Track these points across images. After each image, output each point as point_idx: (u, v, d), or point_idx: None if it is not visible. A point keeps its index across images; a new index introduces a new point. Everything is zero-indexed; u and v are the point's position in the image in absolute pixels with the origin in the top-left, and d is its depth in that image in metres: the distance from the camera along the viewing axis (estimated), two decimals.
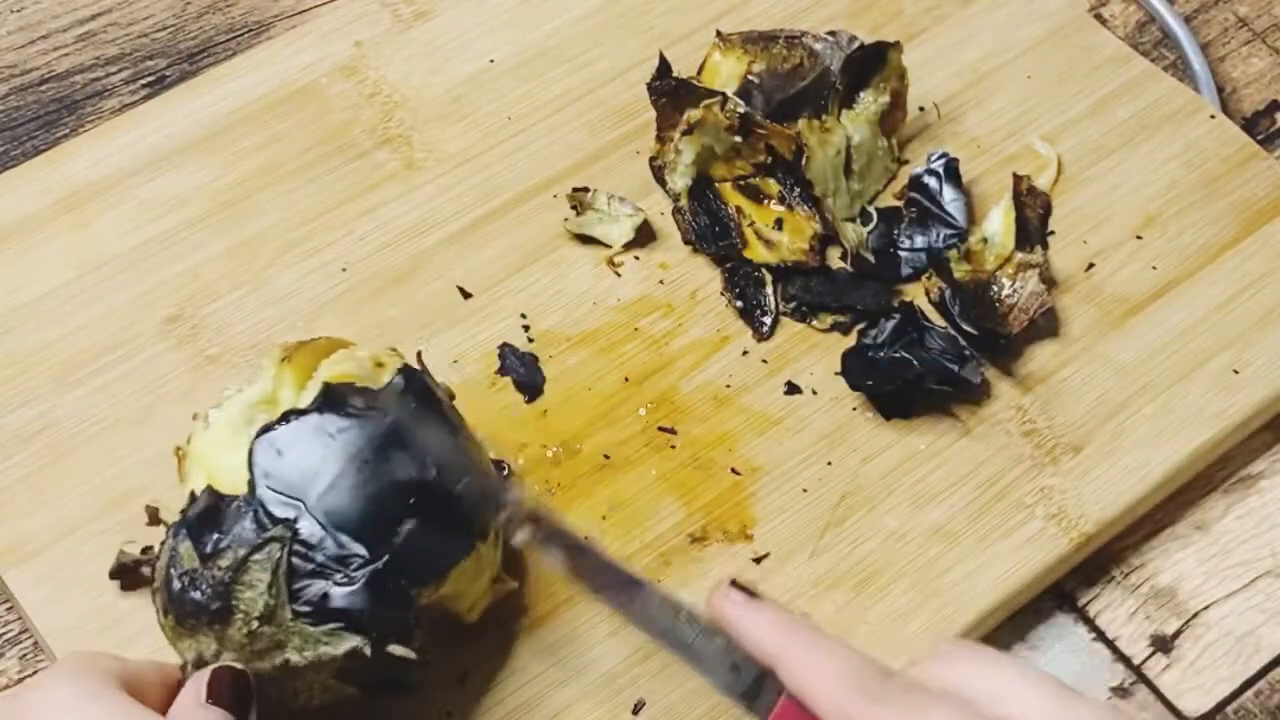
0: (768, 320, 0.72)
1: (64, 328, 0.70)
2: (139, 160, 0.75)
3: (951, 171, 0.74)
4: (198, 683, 0.54)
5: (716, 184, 0.75)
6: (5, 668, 0.64)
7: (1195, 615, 0.67)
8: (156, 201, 0.74)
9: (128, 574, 0.62)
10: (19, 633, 0.65)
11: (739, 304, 0.72)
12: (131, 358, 0.69)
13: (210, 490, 0.57)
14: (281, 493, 0.56)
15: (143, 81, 0.82)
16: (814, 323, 0.72)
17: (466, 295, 0.72)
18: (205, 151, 0.76)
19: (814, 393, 0.70)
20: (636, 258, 0.74)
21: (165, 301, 0.71)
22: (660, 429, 0.68)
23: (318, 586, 0.55)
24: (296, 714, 0.57)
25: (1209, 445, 0.69)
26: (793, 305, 0.72)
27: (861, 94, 0.76)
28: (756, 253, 0.73)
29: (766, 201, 0.75)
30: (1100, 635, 0.67)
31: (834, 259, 0.74)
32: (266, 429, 0.57)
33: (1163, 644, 0.66)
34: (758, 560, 0.65)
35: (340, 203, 0.75)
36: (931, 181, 0.74)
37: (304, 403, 0.58)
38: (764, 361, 0.71)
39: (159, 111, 0.77)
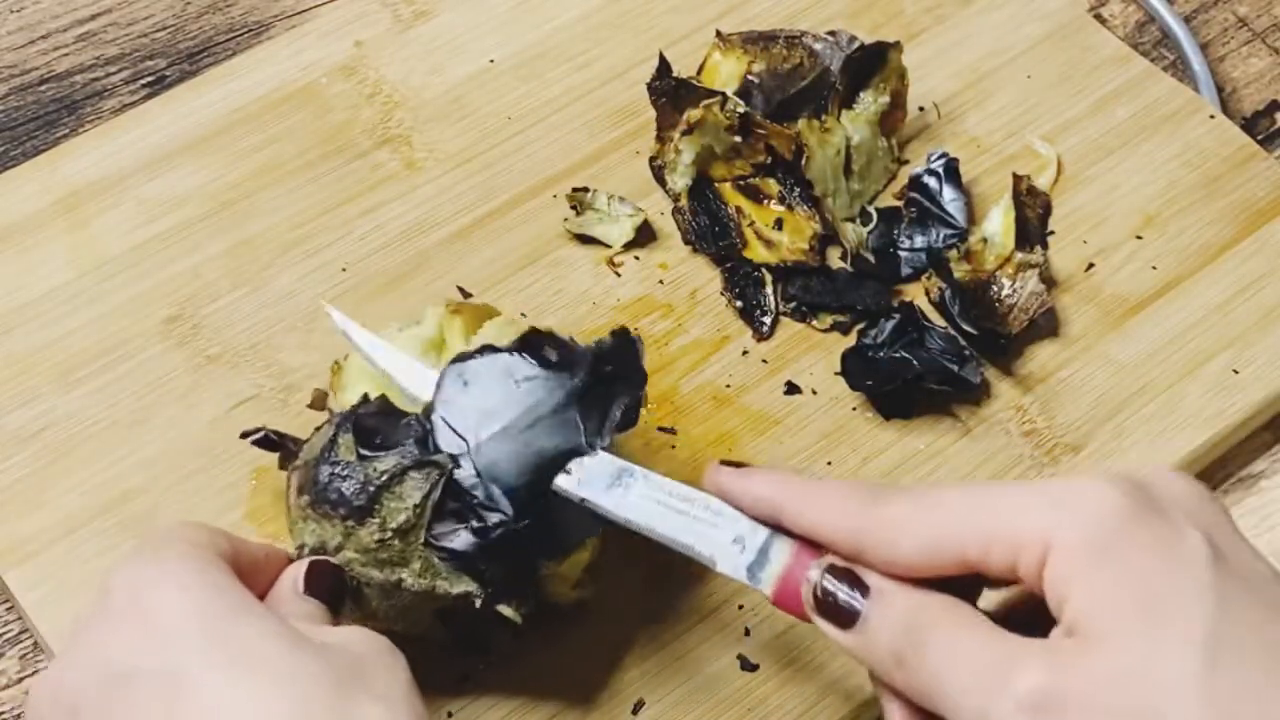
0: (768, 320, 0.72)
1: (64, 328, 0.70)
2: (139, 160, 0.75)
3: (951, 171, 0.74)
4: (296, 571, 0.55)
5: (716, 184, 0.75)
6: (5, 668, 0.64)
7: None
8: (156, 201, 0.74)
9: (269, 444, 0.62)
10: (19, 633, 0.65)
11: (739, 304, 0.72)
12: (131, 358, 0.69)
13: (384, 399, 0.58)
14: (453, 427, 0.57)
15: (143, 81, 0.82)
16: (814, 323, 0.72)
17: (466, 295, 0.72)
18: (205, 151, 0.76)
19: (814, 393, 0.70)
20: (636, 258, 0.74)
21: (165, 301, 0.71)
22: (660, 429, 0.68)
23: (455, 526, 0.56)
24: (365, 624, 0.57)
25: (1209, 445, 0.69)
26: (793, 305, 0.72)
27: (861, 94, 0.76)
28: (756, 253, 0.73)
29: (766, 201, 0.75)
30: None
31: (834, 259, 0.74)
32: (462, 358, 0.58)
33: None
34: None
35: (340, 203, 0.75)
36: (931, 181, 0.74)
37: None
38: (764, 361, 0.71)
39: (159, 111, 0.77)
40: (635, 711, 0.61)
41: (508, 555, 0.56)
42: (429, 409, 0.57)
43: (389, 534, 0.56)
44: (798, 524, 0.51)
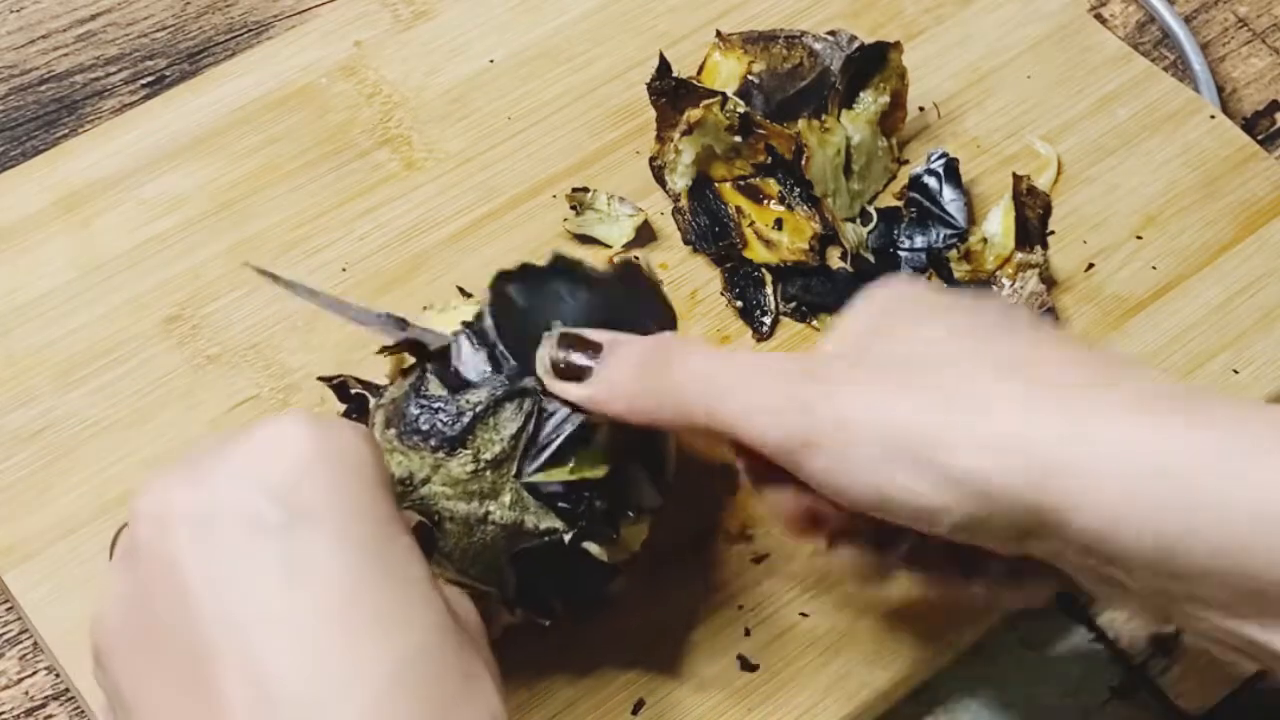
0: (768, 320, 0.72)
1: (64, 328, 0.70)
2: (139, 160, 0.75)
3: (951, 171, 0.74)
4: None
5: (716, 184, 0.75)
6: (5, 668, 0.64)
7: None
8: (156, 201, 0.74)
9: (350, 395, 0.62)
10: (19, 633, 0.65)
11: (739, 304, 0.72)
12: (131, 358, 0.69)
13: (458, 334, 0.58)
14: (507, 347, 0.58)
15: (143, 81, 0.82)
16: (814, 323, 0.72)
17: (466, 295, 0.72)
18: (205, 151, 0.76)
19: None
20: (636, 258, 0.74)
21: (165, 301, 0.71)
22: None
23: (549, 455, 0.56)
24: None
25: None
26: (793, 305, 0.72)
27: (861, 94, 0.76)
28: (756, 253, 0.73)
29: (766, 201, 0.75)
30: (1100, 635, 0.66)
31: (834, 259, 0.74)
32: (504, 277, 0.59)
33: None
34: (758, 560, 0.65)
35: (340, 203, 0.75)
36: (931, 181, 0.74)
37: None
38: None
39: (159, 111, 0.77)
40: (635, 711, 0.61)
41: (596, 504, 0.56)
42: (481, 323, 0.58)
43: (482, 464, 0.56)
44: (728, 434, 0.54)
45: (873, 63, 0.75)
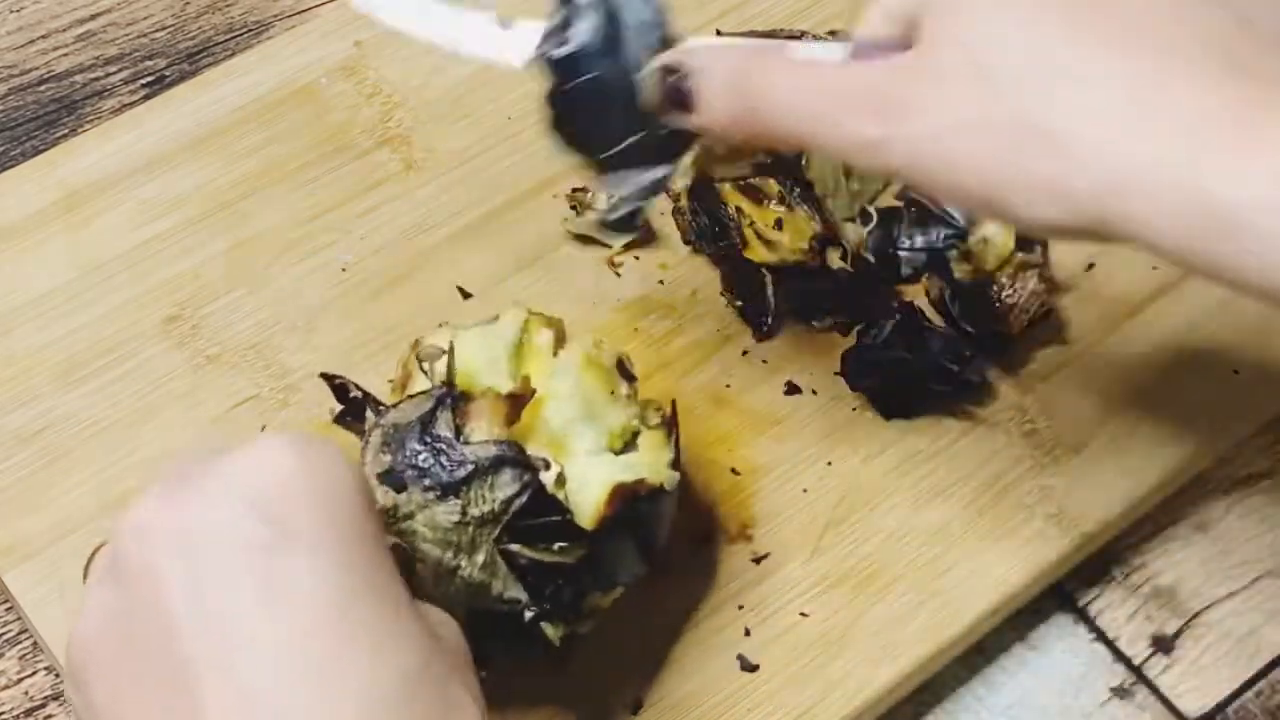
0: (768, 320, 0.72)
1: (64, 328, 0.70)
2: (139, 160, 0.75)
3: None
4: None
5: (716, 184, 0.75)
6: (5, 668, 0.64)
7: (1195, 615, 0.67)
8: (156, 201, 0.74)
9: (348, 398, 0.61)
10: (19, 633, 0.65)
11: (739, 304, 0.72)
12: (131, 358, 0.69)
13: (495, 392, 0.58)
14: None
15: (142, 81, 0.82)
16: (814, 323, 0.72)
17: (466, 295, 0.72)
18: (205, 151, 0.76)
19: (814, 393, 0.70)
20: (636, 258, 0.74)
21: (165, 301, 0.71)
22: None
23: (534, 536, 0.56)
24: None
25: (1209, 445, 0.69)
26: (793, 305, 0.72)
27: None
28: (756, 253, 0.73)
29: (766, 202, 0.74)
30: (1100, 635, 0.67)
31: (834, 259, 0.74)
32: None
33: (1163, 644, 0.66)
34: (758, 560, 0.65)
35: (340, 203, 0.75)
36: None
37: (557, 377, 0.60)
38: (764, 361, 0.71)
39: (159, 111, 0.77)
40: (635, 711, 0.61)
41: (562, 586, 0.56)
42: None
43: (467, 519, 0.55)
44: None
45: None
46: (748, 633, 0.63)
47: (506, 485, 0.55)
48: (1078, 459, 0.68)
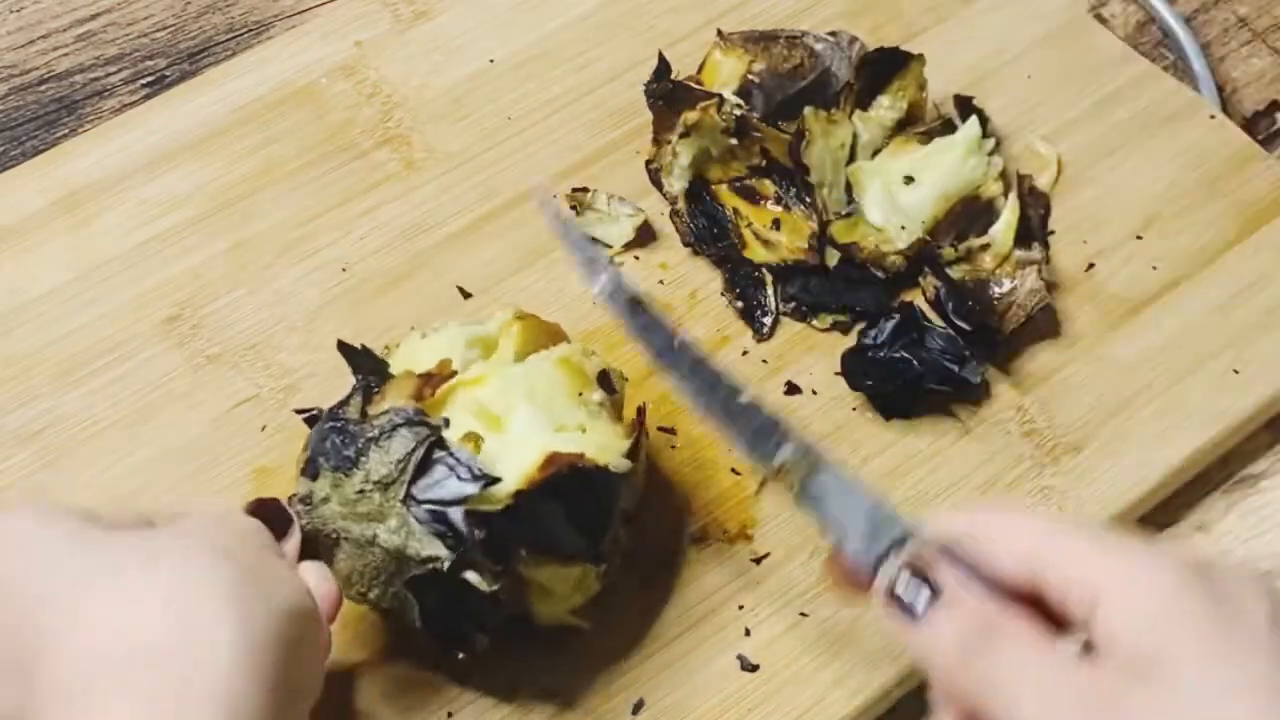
0: (768, 320, 0.72)
1: (64, 328, 0.70)
2: (139, 160, 0.75)
3: None
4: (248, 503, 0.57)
5: (712, 186, 0.75)
6: None
7: None
8: (156, 201, 0.74)
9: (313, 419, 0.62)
10: None
11: (739, 304, 0.72)
12: (131, 358, 0.69)
13: (408, 373, 0.59)
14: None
15: (143, 81, 0.82)
16: (814, 323, 0.72)
17: (466, 295, 0.72)
18: (205, 151, 0.76)
19: (814, 393, 0.70)
20: (636, 258, 0.74)
21: (165, 301, 0.71)
22: (660, 429, 0.68)
23: (441, 478, 0.56)
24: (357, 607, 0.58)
25: (1209, 445, 0.69)
26: (792, 305, 0.72)
27: (879, 97, 0.75)
28: (756, 253, 0.73)
29: (763, 202, 0.74)
30: None
31: (833, 258, 0.74)
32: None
33: None
34: (758, 560, 0.65)
35: (340, 203, 0.75)
36: None
37: (516, 364, 0.61)
38: (764, 361, 0.71)
39: (159, 111, 0.77)
40: (635, 711, 0.61)
41: (492, 531, 0.56)
42: None
43: (369, 486, 0.56)
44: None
45: (889, 66, 0.75)
46: (748, 633, 0.63)
47: (402, 445, 0.56)
48: (1078, 459, 0.68)
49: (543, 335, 0.63)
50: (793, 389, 0.70)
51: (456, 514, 0.56)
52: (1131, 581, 0.48)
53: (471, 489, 0.56)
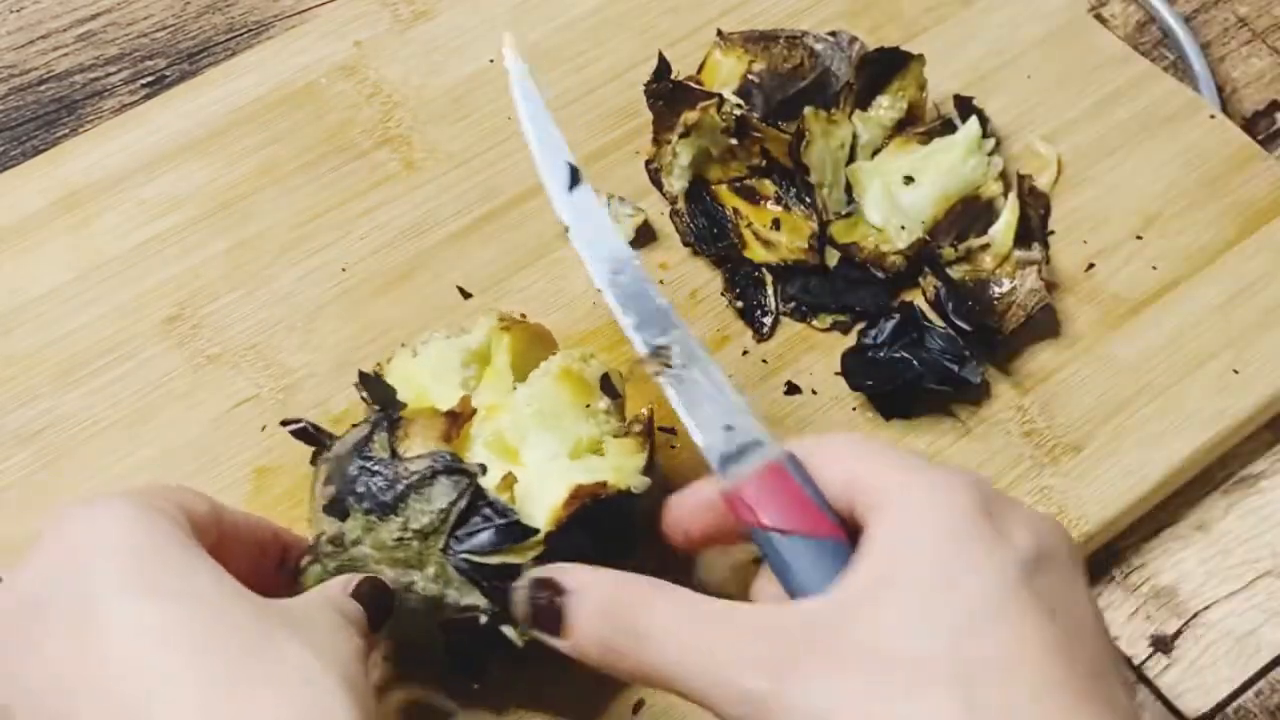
0: (768, 320, 0.72)
1: (64, 328, 0.70)
2: (139, 160, 0.75)
3: None
4: (347, 577, 0.55)
5: (712, 186, 0.75)
6: None
7: (1195, 615, 0.67)
8: (156, 201, 0.74)
9: (306, 435, 0.62)
10: None
11: (739, 304, 0.72)
12: (131, 358, 0.69)
13: (434, 411, 0.59)
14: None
15: (143, 81, 0.82)
16: (814, 323, 0.72)
17: (466, 295, 0.72)
18: (205, 151, 0.76)
19: (814, 393, 0.70)
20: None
21: (165, 301, 0.71)
22: (661, 429, 0.68)
23: (478, 528, 0.56)
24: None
25: (1209, 445, 0.69)
26: (792, 305, 0.72)
27: (879, 98, 0.75)
28: (755, 253, 0.73)
29: (763, 202, 0.74)
30: None
31: (833, 258, 0.74)
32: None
33: (1163, 644, 0.66)
34: (757, 560, 0.65)
35: (340, 203, 0.75)
36: None
37: (520, 381, 0.61)
38: (764, 361, 0.71)
39: (159, 111, 0.77)
40: (635, 711, 0.61)
41: (517, 573, 0.56)
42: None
43: (409, 534, 0.56)
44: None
45: (889, 66, 0.75)
46: None
47: (443, 495, 0.56)
48: (1078, 459, 0.68)
49: (534, 341, 0.63)
50: (793, 389, 0.70)
51: (492, 570, 0.56)
52: (902, 506, 0.48)
53: (508, 542, 0.56)
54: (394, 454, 0.57)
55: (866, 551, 0.48)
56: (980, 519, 0.48)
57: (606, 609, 0.50)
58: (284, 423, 0.63)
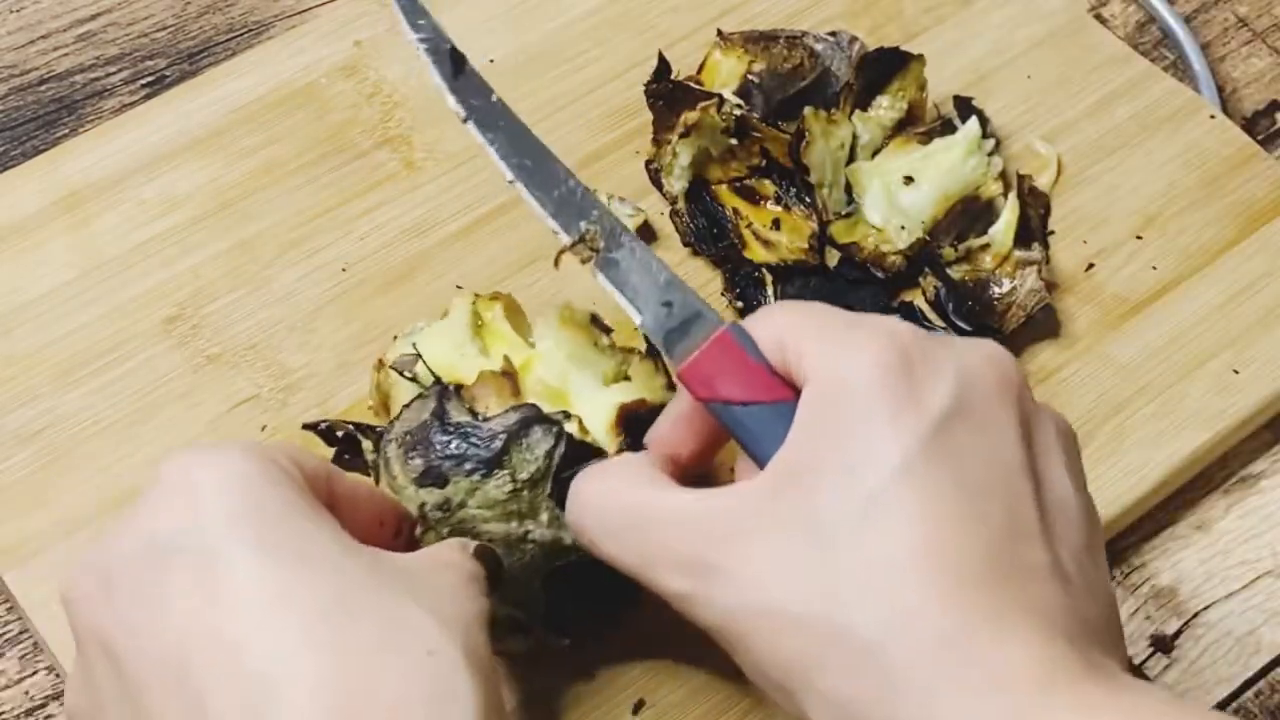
0: None
1: (64, 328, 0.70)
2: (139, 160, 0.75)
3: None
4: (461, 542, 0.55)
5: (712, 186, 0.75)
6: (5, 668, 0.64)
7: (1195, 615, 0.67)
8: (156, 201, 0.74)
9: (338, 438, 0.62)
10: (19, 633, 0.65)
11: (739, 304, 0.72)
12: (131, 358, 0.69)
13: (491, 373, 0.59)
14: None
15: (143, 81, 0.82)
16: None
17: None
18: (205, 151, 0.76)
19: None
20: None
21: (165, 301, 0.71)
22: None
23: (576, 469, 0.56)
24: None
25: (1209, 445, 0.69)
26: None
27: (879, 98, 0.75)
28: (755, 253, 0.73)
29: (763, 202, 0.74)
30: None
31: (834, 258, 0.74)
32: None
33: (1163, 644, 0.66)
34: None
35: (340, 203, 0.75)
36: None
37: (542, 342, 0.61)
38: None
39: (159, 111, 0.77)
40: (635, 711, 0.61)
41: None
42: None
43: (519, 484, 0.57)
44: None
45: (889, 66, 0.75)
46: None
47: (541, 441, 0.57)
48: None
49: (516, 309, 0.64)
50: None
51: None
52: (817, 376, 0.48)
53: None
54: (474, 413, 0.58)
55: (795, 425, 0.48)
56: (894, 379, 0.47)
57: (576, 492, 0.53)
58: (308, 426, 0.63)
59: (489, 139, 0.59)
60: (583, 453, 0.57)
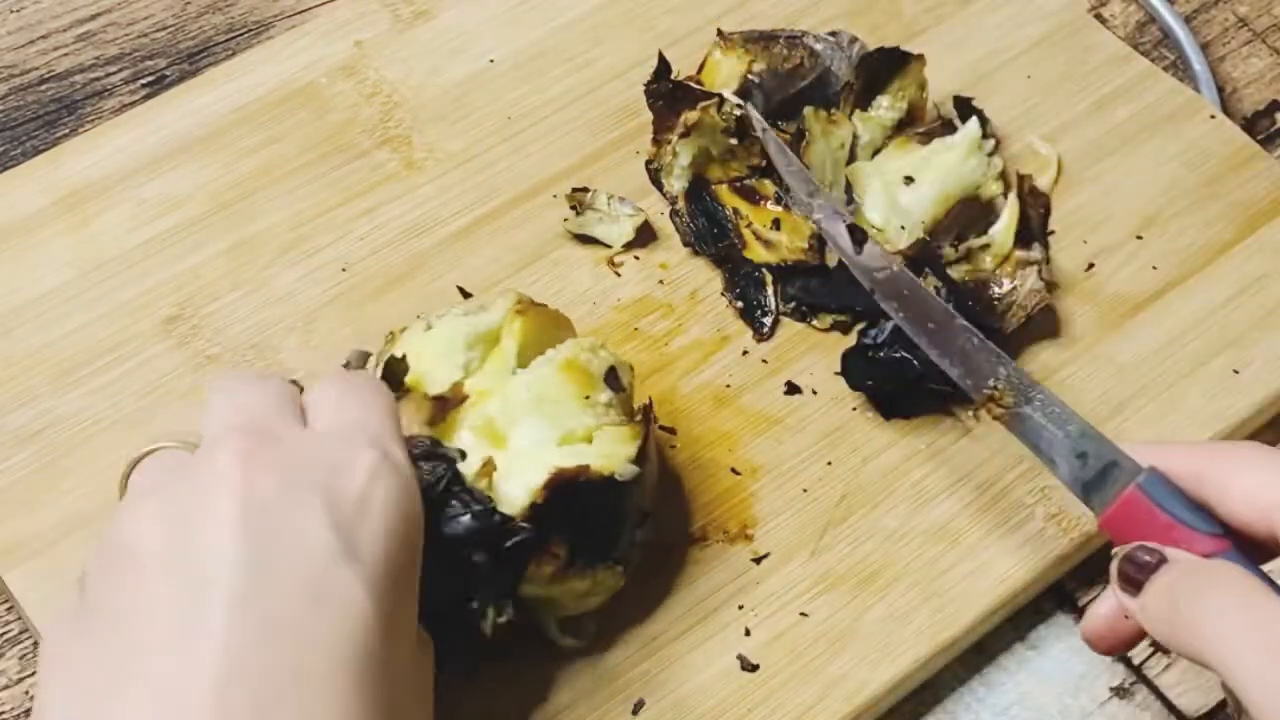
0: (768, 320, 0.72)
1: (64, 328, 0.70)
2: (139, 160, 0.75)
3: None
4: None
5: (712, 186, 0.75)
6: (5, 668, 0.64)
7: None
8: (156, 201, 0.74)
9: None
10: (19, 633, 0.65)
11: (739, 304, 0.72)
12: (131, 358, 0.69)
13: (423, 395, 0.60)
14: None
15: (143, 81, 0.82)
16: (814, 323, 0.72)
17: (466, 295, 0.72)
18: (205, 151, 0.76)
19: (814, 393, 0.70)
20: (636, 258, 0.74)
21: (165, 301, 0.71)
22: (661, 428, 0.68)
23: (458, 512, 0.57)
24: None
25: None
26: (792, 305, 0.72)
27: (879, 98, 0.75)
28: (755, 253, 0.73)
29: (762, 202, 0.74)
30: None
31: (833, 258, 0.74)
32: None
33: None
34: (758, 560, 0.65)
35: (340, 203, 0.75)
36: None
37: (523, 367, 0.61)
38: (764, 361, 0.71)
39: (159, 111, 0.77)
40: (635, 711, 0.61)
41: (497, 548, 0.56)
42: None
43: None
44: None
45: (889, 66, 0.75)
46: (748, 633, 0.63)
47: (421, 479, 0.56)
48: None
49: (548, 327, 0.63)
50: (793, 389, 0.70)
51: (478, 555, 0.56)
52: None
53: (486, 527, 0.56)
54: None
55: None
56: None
57: (1173, 585, 0.51)
58: None
59: (893, 307, 0.64)
60: (466, 499, 0.56)
